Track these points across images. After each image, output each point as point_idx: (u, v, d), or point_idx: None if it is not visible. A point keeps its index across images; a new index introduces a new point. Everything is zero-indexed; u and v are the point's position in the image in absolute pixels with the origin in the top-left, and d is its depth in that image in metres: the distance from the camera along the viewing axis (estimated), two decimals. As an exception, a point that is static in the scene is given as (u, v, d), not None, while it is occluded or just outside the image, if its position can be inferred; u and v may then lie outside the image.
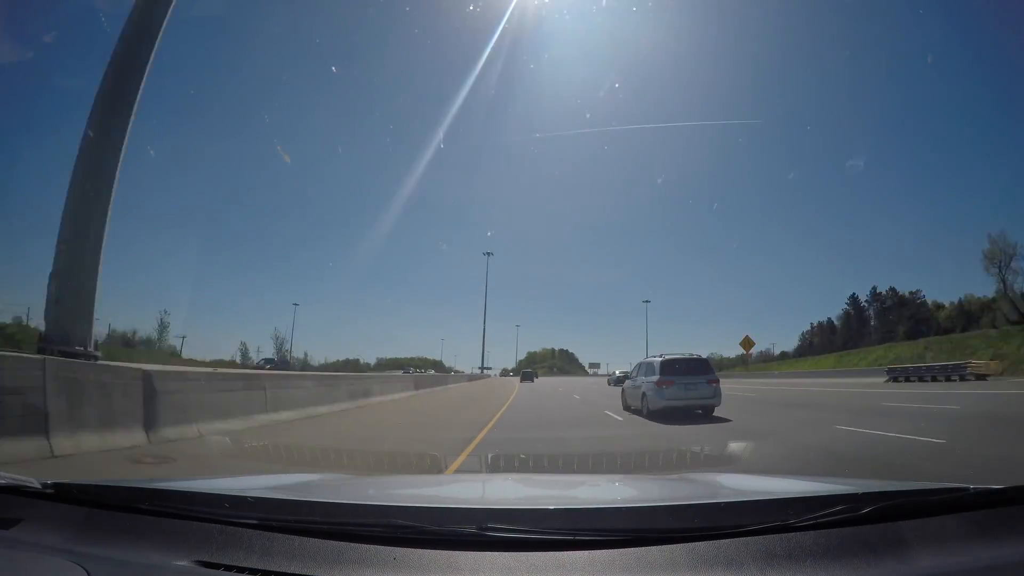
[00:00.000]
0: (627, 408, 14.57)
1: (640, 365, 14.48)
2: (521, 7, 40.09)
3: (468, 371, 71.96)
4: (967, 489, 1.45)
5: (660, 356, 13.17)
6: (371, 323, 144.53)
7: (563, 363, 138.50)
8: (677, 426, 10.36)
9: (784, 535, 1.30)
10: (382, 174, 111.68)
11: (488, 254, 74.11)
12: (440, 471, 5.54)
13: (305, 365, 79.40)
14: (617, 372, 47.73)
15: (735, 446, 7.03)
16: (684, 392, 12.04)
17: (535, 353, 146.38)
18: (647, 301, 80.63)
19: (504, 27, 40.35)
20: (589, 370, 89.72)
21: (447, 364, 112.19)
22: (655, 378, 12.40)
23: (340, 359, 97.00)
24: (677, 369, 12.45)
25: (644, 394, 12.78)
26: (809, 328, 78.88)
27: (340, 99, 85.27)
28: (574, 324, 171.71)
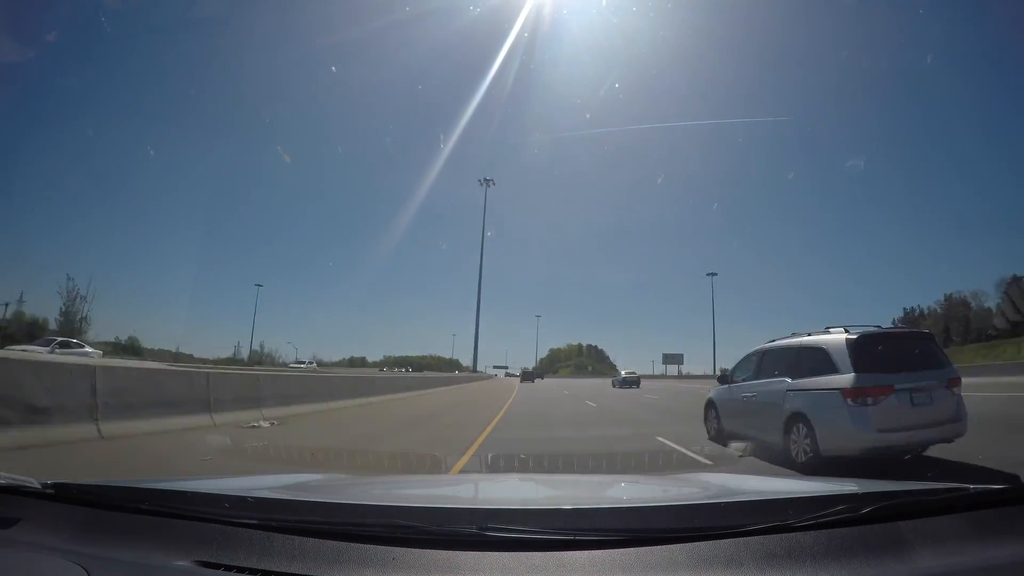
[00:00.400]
0: (721, 436, 7.88)
1: (766, 353, 7.43)
2: (537, 7, 39.82)
3: (483, 370, 69.45)
4: (967, 489, 1.45)
5: (842, 329, 6.24)
6: (382, 322, 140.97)
7: (592, 361, 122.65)
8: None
9: (784, 535, 1.30)
10: (395, 171, 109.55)
11: (486, 181, 58.52)
12: (441, 471, 5.54)
13: (262, 360, 69.34)
14: (624, 372, 42.72)
15: (735, 446, 7.02)
16: (911, 411, 5.58)
17: (558, 350, 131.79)
18: (713, 274, 67.14)
19: (520, 25, 40.00)
20: (667, 367, 76.06)
21: (464, 363, 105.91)
22: (841, 379, 5.76)
23: (344, 358, 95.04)
24: (893, 359, 5.91)
25: (803, 416, 6.01)
26: (903, 315, 61.87)
27: (348, 100, 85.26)
28: (603, 321, 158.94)
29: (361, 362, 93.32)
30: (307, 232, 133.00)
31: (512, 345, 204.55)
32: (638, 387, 35.72)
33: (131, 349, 55.32)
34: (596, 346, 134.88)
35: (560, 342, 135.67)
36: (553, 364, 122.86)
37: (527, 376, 59.06)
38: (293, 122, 78.20)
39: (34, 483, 1.57)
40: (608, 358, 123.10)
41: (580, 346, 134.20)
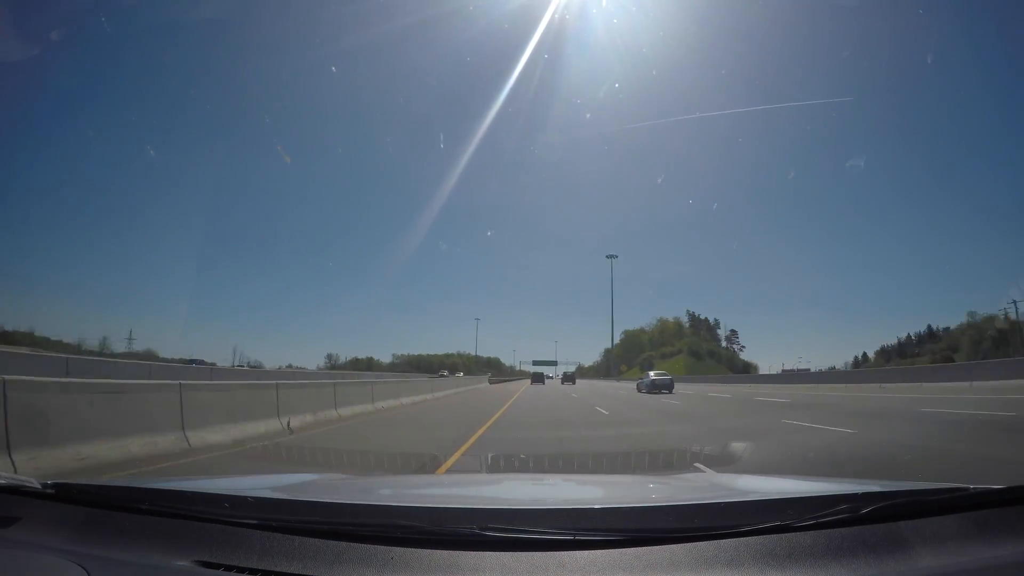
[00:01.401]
0: None
1: None
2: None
3: (526, 369, 59.05)
4: (967, 489, 1.45)
5: None
6: (401, 319, 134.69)
7: (713, 345, 76.08)
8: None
9: (784, 535, 1.30)
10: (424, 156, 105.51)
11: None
12: (441, 471, 5.54)
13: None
14: (652, 374, 30.22)
15: (735, 446, 7.02)
16: None
17: (639, 332, 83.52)
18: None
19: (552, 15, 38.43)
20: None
21: (507, 362, 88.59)
22: None
23: (348, 358, 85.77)
24: None
25: None
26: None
27: (367, 102, 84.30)
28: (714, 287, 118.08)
29: (367, 364, 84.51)
30: (312, 231, 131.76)
31: (574, 337, 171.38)
32: (671, 392, 25.88)
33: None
34: (708, 319, 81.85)
35: (645, 318, 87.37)
36: (630, 353, 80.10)
37: (537, 378, 51.23)
38: (296, 123, 78.13)
39: (34, 483, 1.57)
40: (729, 341, 74.62)
41: (679, 321, 78.54)
